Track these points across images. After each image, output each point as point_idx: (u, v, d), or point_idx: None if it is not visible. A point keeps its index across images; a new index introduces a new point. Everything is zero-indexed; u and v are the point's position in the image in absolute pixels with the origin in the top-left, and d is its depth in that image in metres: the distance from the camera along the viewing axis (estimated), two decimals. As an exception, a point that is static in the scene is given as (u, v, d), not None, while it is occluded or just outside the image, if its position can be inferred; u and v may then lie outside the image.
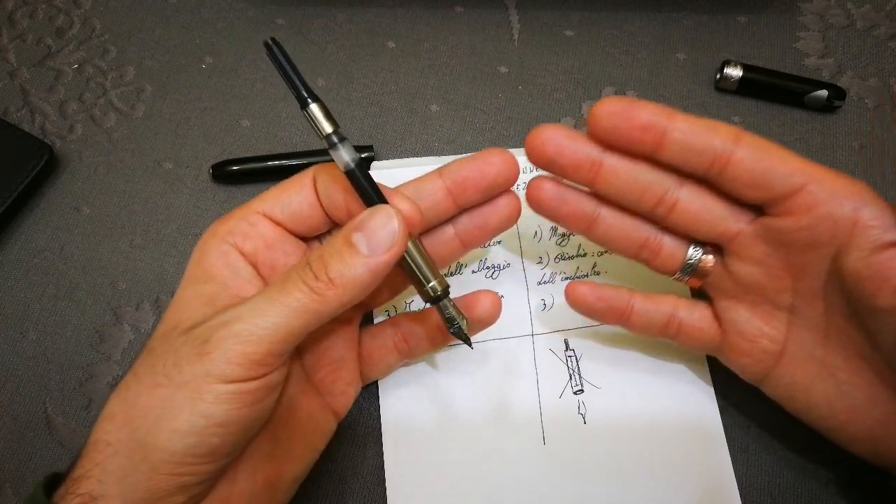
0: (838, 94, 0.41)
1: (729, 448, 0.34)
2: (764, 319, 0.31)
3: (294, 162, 0.40)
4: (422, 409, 0.35)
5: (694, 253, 0.31)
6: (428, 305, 0.29)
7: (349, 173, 0.27)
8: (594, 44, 0.44)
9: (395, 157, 0.41)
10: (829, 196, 0.27)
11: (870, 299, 0.27)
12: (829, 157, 0.41)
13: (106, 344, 0.38)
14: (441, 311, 0.29)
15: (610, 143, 0.28)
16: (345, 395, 0.32)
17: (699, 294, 0.33)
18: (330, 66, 0.44)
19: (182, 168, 0.41)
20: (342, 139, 0.26)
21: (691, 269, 0.31)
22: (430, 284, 0.28)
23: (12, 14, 0.45)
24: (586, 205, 0.31)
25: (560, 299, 0.37)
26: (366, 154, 0.40)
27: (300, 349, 0.30)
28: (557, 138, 0.29)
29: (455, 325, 0.29)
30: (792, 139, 0.41)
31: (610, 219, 0.31)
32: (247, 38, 0.45)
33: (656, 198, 0.29)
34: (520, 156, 0.39)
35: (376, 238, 0.25)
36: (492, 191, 0.30)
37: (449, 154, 0.41)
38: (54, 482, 0.26)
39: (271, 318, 0.25)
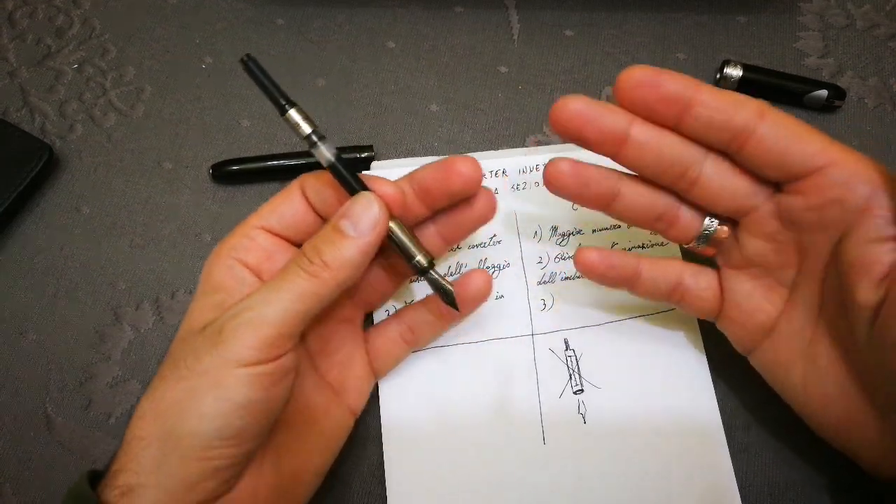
0: (838, 93, 0.41)
1: (729, 448, 0.34)
2: (764, 293, 0.31)
3: (293, 162, 0.40)
4: (422, 409, 0.35)
5: (710, 223, 0.31)
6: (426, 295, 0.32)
7: (331, 168, 0.29)
8: (594, 44, 0.44)
9: (395, 157, 0.41)
10: (844, 179, 0.26)
11: (851, 290, 0.27)
12: (829, 156, 0.41)
13: (106, 344, 0.38)
14: (429, 282, 0.31)
15: (634, 112, 0.28)
16: (358, 390, 0.34)
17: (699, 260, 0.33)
18: (330, 67, 0.44)
19: (182, 168, 0.41)
20: (321, 137, 0.29)
21: (707, 239, 0.31)
22: (417, 258, 0.30)
23: (12, 14, 0.45)
24: (607, 183, 0.30)
25: (560, 299, 0.37)
26: (366, 154, 0.40)
27: (312, 353, 0.32)
28: (584, 110, 0.28)
29: (442, 292, 0.31)
30: (792, 139, 0.41)
31: (629, 194, 0.31)
32: (246, 38, 0.45)
33: (678, 173, 0.29)
34: (507, 156, 0.39)
35: (361, 221, 0.28)
36: (456, 196, 0.31)
37: (449, 154, 0.41)
38: (93, 478, 0.27)
39: (278, 304, 0.27)
